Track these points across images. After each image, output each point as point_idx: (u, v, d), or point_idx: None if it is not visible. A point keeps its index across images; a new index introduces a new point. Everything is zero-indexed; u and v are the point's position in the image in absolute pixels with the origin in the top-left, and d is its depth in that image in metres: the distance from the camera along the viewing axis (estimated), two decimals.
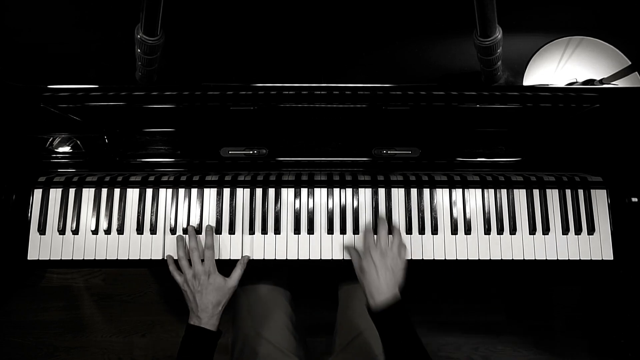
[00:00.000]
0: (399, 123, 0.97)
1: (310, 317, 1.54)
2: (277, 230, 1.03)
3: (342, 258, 1.02)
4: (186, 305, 0.95)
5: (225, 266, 1.03)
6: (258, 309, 1.05)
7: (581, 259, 1.03)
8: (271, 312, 1.05)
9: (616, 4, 0.89)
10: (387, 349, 0.87)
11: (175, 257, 0.99)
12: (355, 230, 1.03)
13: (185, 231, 1.02)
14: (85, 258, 1.02)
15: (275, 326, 1.03)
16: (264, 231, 1.03)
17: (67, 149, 0.98)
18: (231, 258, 1.02)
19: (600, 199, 1.05)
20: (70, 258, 1.02)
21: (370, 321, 1.02)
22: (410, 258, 1.02)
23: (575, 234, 1.04)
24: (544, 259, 1.03)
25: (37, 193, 1.04)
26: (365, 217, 1.04)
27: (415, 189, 1.05)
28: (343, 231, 1.03)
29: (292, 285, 1.17)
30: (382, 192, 1.05)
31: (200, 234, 1.02)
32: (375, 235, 0.96)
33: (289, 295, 1.13)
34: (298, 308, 1.13)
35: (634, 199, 1.02)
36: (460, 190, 1.05)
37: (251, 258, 1.02)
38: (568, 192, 1.05)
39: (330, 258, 1.02)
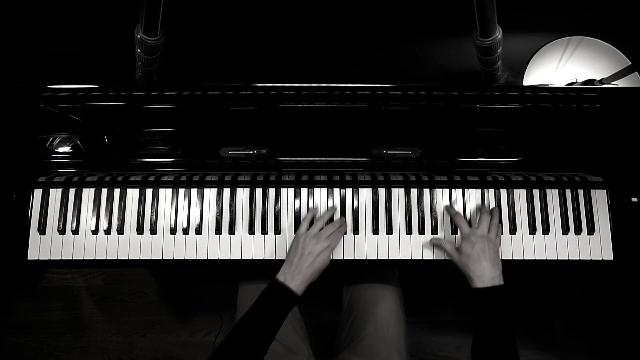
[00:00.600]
0: (399, 123, 0.97)
1: (311, 317, 1.54)
2: (277, 230, 1.03)
3: (342, 258, 1.02)
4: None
5: (225, 266, 1.03)
6: None
7: (581, 259, 1.03)
8: None
9: (616, 4, 0.89)
10: (478, 332, 0.87)
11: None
12: (355, 230, 1.03)
13: (185, 231, 1.02)
14: (85, 258, 1.02)
15: (283, 325, 1.03)
16: (264, 231, 1.03)
17: (67, 149, 0.98)
18: (231, 258, 1.02)
19: (600, 199, 1.05)
20: (70, 258, 1.02)
21: (377, 323, 1.02)
22: (410, 258, 1.02)
23: (575, 234, 1.04)
24: (544, 259, 1.03)
25: (37, 193, 1.04)
26: (365, 217, 1.04)
27: (415, 189, 1.05)
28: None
29: None
30: (382, 192, 1.05)
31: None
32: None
33: None
34: (302, 307, 1.13)
35: (634, 199, 1.02)
36: (460, 190, 1.05)
37: (251, 258, 1.02)
38: (568, 192, 1.05)
39: (330, 258, 1.02)
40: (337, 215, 1.03)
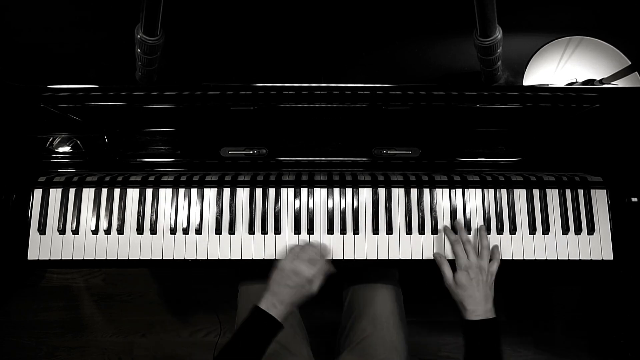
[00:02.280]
0: (399, 123, 0.97)
1: (311, 317, 1.54)
2: (277, 230, 1.03)
3: (342, 258, 1.02)
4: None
5: (225, 266, 1.03)
6: None
7: (581, 259, 1.03)
8: None
9: (616, 4, 0.89)
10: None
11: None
12: (355, 230, 1.03)
13: (185, 231, 1.02)
14: (85, 258, 1.02)
15: None
16: (264, 231, 1.03)
17: (67, 149, 0.98)
18: (231, 258, 1.02)
19: (600, 199, 1.05)
20: (70, 258, 1.02)
21: (377, 324, 1.02)
22: (410, 258, 1.02)
23: (575, 234, 1.04)
24: (544, 259, 1.03)
25: (37, 193, 1.04)
26: (365, 217, 1.04)
27: (415, 189, 1.05)
28: (343, 231, 1.03)
29: None
30: (382, 192, 1.05)
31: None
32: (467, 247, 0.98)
33: None
34: (301, 307, 1.13)
35: (634, 199, 1.02)
36: (460, 190, 1.05)
37: (251, 258, 1.02)
38: (568, 192, 1.05)
39: (330, 258, 1.02)
40: (328, 255, 0.99)
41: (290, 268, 0.88)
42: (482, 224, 1.03)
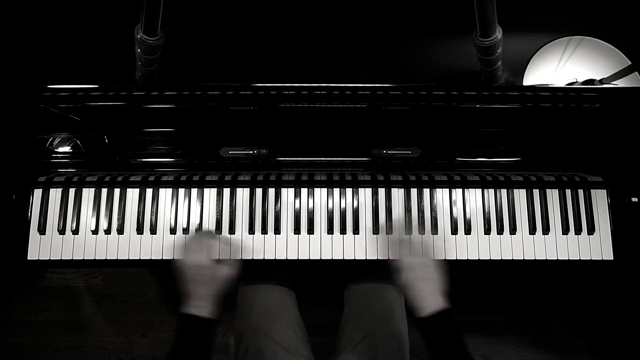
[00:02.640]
0: (399, 123, 0.97)
1: (313, 316, 1.54)
2: (277, 230, 1.03)
3: (342, 258, 1.02)
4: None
5: None
6: (263, 308, 1.05)
7: (581, 259, 1.03)
8: (276, 311, 1.05)
9: (616, 4, 0.89)
10: (434, 356, 0.86)
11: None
12: (355, 231, 1.03)
13: (185, 231, 1.03)
14: (85, 258, 1.02)
15: (280, 325, 1.03)
16: (264, 231, 1.03)
17: (67, 149, 0.98)
18: (231, 258, 1.02)
19: (600, 199, 1.05)
20: (70, 258, 1.02)
21: (377, 324, 1.02)
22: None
23: (575, 233, 1.04)
24: (544, 259, 1.03)
25: (37, 193, 1.04)
26: (366, 217, 1.04)
27: (415, 189, 1.05)
28: (343, 231, 1.03)
29: (295, 285, 1.17)
30: (382, 192, 1.05)
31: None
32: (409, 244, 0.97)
33: (293, 294, 1.13)
34: (302, 307, 1.13)
35: (634, 199, 1.02)
36: (460, 190, 1.05)
37: (251, 258, 1.02)
38: (568, 192, 1.05)
39: (330, 258, 1.02)
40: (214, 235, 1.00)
41: (190, 264, 0.89)
42: (482, 224, 1.03)
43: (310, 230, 1.03)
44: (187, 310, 0.86)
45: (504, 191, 1.05)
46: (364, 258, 1.03)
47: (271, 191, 1.05)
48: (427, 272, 0.90)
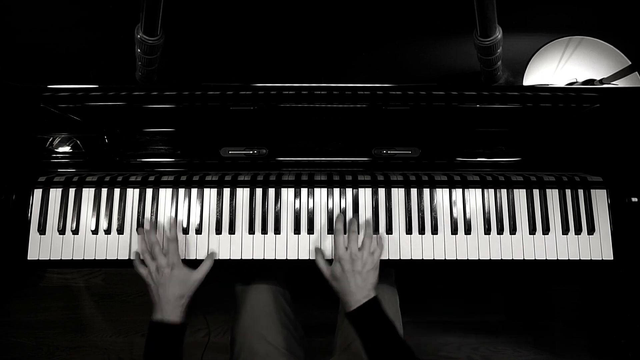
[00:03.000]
0: (399, 123, 0.97)
1: (312, 316, 1.54)
2: (277, 230, 1.03)
3: None
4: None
5: (224, 267, 1.03)
6: (257, 308, 1.05)
7: (581, 259, 1.03)
8: (270, 311, 1.05)
9: (616, 4, 0.89)
10: (366, 348, 0.87)
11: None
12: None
13: (185, 231, 1.03)
14: (85, 258, 1.02)
15: (274, 326, 1.03)
16: (264, 231, 1.03)
17: (67, 149, 0.98)
18: (231, 258, 1.02)
19: (600, 199, 1.05)
20: (70, 258, 1.02)
21: None
22: (410, 258, 1.02)
23: (575, 234, 1.04)
24: (544, 259, 1.03)
25: (37, 193, 1.04)
26: (365, 217, 1.04)
27: (415, 189, 1.05)
28: (343, 231, 1.03)
29: (295, 285, 1.17)
30: (382, 192, 1.05)
31: (201, 230, 1.02)
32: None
33: (287, 295, 1.13)
34: (301, 307, 1.13)
35: (634, 199, 1.02)
36: (460, 190, 1.05)
37: (251, 258, 1.02)
38: (568, 192, 1.05)
39: (331, 258, 1.02)
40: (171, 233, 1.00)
41: (152, 270, 0.93)
42: (482, 224, 1.03)
43: (310, 230, 1.03)
44: (154, 315, 0.90)
45: (504, 191, 1.05)
46: None
47: (271, 191, 1.05)
48: (357, 266, 0.91)
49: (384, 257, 1.02)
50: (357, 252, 0.93)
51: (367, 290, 0.89)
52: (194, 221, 1.03)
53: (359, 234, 0.98)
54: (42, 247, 1.02)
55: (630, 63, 0.84)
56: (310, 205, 1.04)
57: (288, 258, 1.02)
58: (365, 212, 1.04)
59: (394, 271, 1.18)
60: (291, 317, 1.09)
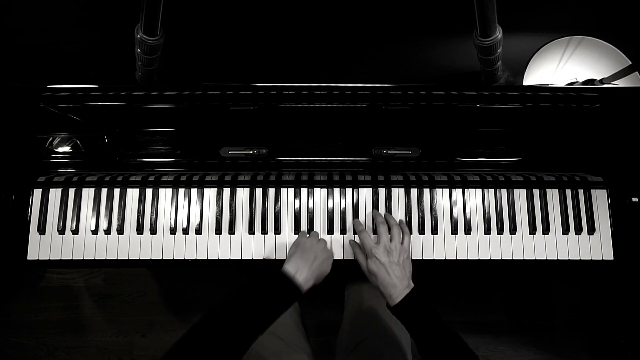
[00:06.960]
0: (399, 123, 0.97)
1: (314, 316, 1.54)
2: (277, 230, 1.03)
3: (342, 258, 1.02)
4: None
5: (223, 267, 1.03)
6: None
7: (581, 259, 1.03)
8: None
9: (616, 4, 0.89)
10: (416, 339, 0.86)
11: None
12: (355, 231, 1.03)
13: (185, 231, 1.02)
14: (85, 258, 1.02)
15: (285, 322, 1.03)
16: (264, 231, 1.03)
17: (67, 148, 0.98)
18: (231, 258, 1.02)
19: (600, 199, 1.05)
20: (70, 258, 1.02)
21: (378, 325, 1.02)
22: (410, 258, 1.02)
23: (576, 233, 1.04)
24: (544, 259, 1.03)
25: (37, 193, 1.04)
26: (365, 217, 1.04)
27: (415, 189, 1.05)
28: (343, 231, 1.03)
29: None
30: (382, 192, 1.05)
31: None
32: (373, 235, 0.97)
33: None
34: (303, 307, 1.13)
35: (634, 199, 1.02)
36: (460, 190, 1.05)
37: (251, 258, 1.02)
38: (568, 192, 1.05)
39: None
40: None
41: (314, 243, 0.93)
42: (482, 224, 1.03)
43: (311, 230, 1.03)
44: (294, 271, 0.86)
45: (504, 191, 1.05)
46: None
47: (271, 191, 1.05)
48: (394, 257, 0.91)
49: None
50: (390, 243, 0.93)
51: (407, 280, 0.89)
52: (194, 221, 1.03)
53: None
54: (42, 247, 1.02)
55: (630, 63, 0.84)
56: (310, 205, 1.04)
57: None
58: (366, 212, 1.04)
59: None
60: (301, 315, 1.09)
